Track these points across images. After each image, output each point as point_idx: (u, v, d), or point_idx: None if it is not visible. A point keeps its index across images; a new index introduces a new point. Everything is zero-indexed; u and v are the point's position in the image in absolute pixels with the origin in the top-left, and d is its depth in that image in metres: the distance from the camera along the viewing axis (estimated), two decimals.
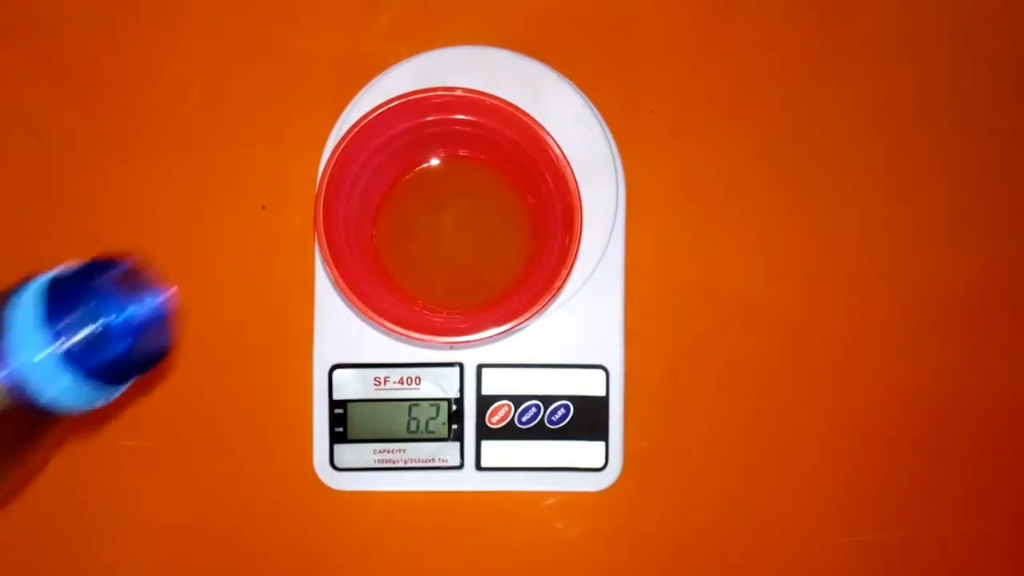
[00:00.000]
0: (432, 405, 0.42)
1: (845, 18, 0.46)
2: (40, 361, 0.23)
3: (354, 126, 0.37)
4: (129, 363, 0.25)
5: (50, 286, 0.24)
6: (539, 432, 0.42)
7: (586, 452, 0.43)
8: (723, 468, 0.45)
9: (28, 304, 0.23)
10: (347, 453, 0.42)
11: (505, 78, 0.41)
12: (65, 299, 0.24)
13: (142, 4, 0.46)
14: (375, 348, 0.42)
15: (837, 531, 0.45)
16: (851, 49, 0.46)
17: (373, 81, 0.42)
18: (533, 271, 0.40)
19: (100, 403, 0.25)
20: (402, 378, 0.42)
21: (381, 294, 0.39)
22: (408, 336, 0.37)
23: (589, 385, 0.42)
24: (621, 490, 0.43)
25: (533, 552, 0.44)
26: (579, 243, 0.37)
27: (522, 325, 0.37)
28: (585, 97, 0.42)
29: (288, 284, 0.44)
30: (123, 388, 0.26)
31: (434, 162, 0.42)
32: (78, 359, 0.24)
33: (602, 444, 0.43)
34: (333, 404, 0.42)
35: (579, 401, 0.42)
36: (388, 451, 0.42)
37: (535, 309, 0.37)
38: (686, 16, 0.46)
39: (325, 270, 0.37)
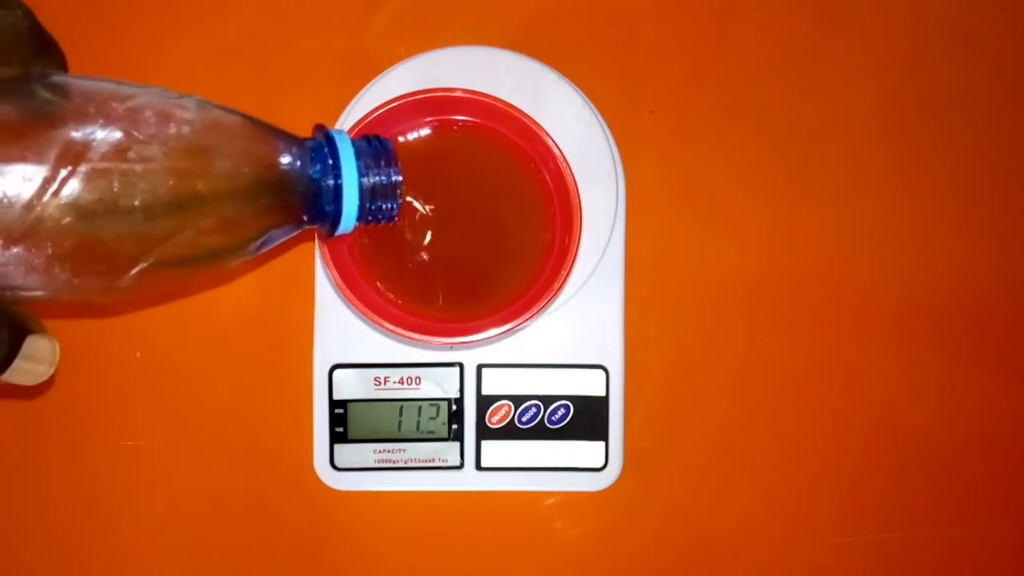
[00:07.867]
0: (432, 405, 0.42)
1: (845, 18, 0.46)
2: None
3: (354, 127, 0.37)
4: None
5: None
6: (539, 432, 0.42)
7: (586, 452, 0.43)
8: (723, 468, 0.45)
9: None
10: (347, 453, 0.42)
11: (505, 78, 0.41)
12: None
13: (141, 4, 0.46)
14: (375, 348, 0.42)
15: (837, 531, 0.44)
16: (851, 49, 0.46)
17: (373, 81, 0.41)
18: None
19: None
20: (402, 378, 0.42)
21: (381, 294, 0.39)
22: (408, 337, 0.37)
23: (589, 385, 0.42)
24: (621, 490, 0.43)
25: (533, 552, 0.44)
26: (579, 243, 0.37)
27: (522, 325, 0.37)
28: (585, 97, 0.42)
29: (288, 284, 0.43)
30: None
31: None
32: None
33: (602, 444, 0.43)
34: (333, 404, 0.42)
35: (579, 401, 0.42)
36: (388, 451, 0.42)
37: (535, 309, 0.37)
38: (686, 16, 0.46)
39: (325, 271, 0.37)
